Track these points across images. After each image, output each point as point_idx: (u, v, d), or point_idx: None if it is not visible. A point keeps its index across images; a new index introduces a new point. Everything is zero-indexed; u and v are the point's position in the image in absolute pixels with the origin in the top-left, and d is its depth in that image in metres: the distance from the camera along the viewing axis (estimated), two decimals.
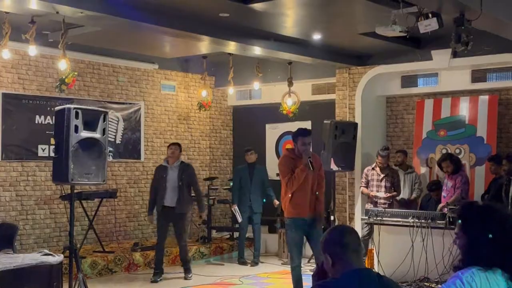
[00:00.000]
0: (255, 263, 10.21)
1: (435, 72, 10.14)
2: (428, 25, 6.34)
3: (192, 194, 9.25)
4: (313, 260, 10.04)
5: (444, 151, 9.75)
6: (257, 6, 7.33)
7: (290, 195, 7.09)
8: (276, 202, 10.19)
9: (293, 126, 11.79)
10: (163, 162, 9.28)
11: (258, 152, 10.76)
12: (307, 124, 11.64)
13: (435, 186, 9.37)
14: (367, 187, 9.63)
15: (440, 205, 8.63)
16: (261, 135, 12.28)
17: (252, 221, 10.37)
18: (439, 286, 7.37)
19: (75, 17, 7.39)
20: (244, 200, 10.21)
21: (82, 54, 10.05)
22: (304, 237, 7.27)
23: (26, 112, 9.58)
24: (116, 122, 10.71)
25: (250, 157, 10.37)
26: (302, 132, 7.23)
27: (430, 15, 6.32)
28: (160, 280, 8.87)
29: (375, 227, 8.46)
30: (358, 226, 9.74)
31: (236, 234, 11.08)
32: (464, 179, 8.78)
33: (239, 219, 10.19)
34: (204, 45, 9.74)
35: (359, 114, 10.56)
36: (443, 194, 8.93)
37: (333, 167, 9.89)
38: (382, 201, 9.39)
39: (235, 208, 10.23)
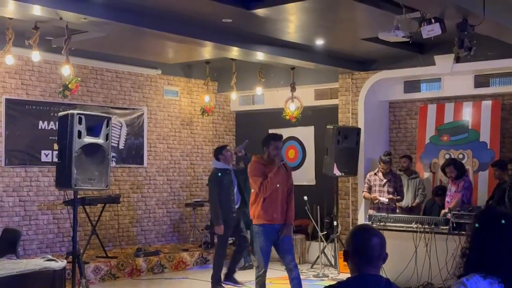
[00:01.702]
0: (248, 267, 10.08)
1: (438, 77, 10.14)
2: (431, 30, 6.34)
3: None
4: (316, 266, 10.03)
5: (447, 156, 9.74)
6: (259, 11, 7.35)
7: (262, 201, 6.91)
8: None
9: (296, 132, 11.93)
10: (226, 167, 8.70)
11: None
12: (310, 129, 11.73)
13: (441, 191, 9.35)
14: (369, 192, 9.62)
15: (443, 211, 8.60)
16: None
17: (249, 226, 10.33)
18: None
19: (78, 23, 7.40)
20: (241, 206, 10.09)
21: (86, 60, 10.07)
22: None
23: (30, 118, 9.60)
24: (119, 128, 10.72)
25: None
26: (273, 137, 7.15)
27: (433, 20, 6.31)
28: None
29: None
30: None
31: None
32: (466, 184, 8.76)
33: None
34: (207, 51, 9.76)
35: (362, 119, 10.56)
36: (447, 199, 8.91)
37: (336, 172, 9.89)
38: (384, 199, 9.31)
39: None
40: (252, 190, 7.07)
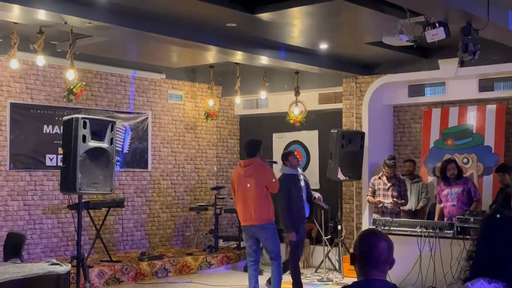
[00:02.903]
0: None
1: (442, 81, 10.12)
2: (435, 35, 6.34)
3: None
4: (320, 270, 10.02)
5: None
6: (264, 16, 7.36)
7: (271, 202, 7.79)
8: None
9: (300, 136, 11.93)
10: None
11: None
12: (314, 133, 11.73)
13: None
14: (373, 196, 9.60)
15: (457, 215, 8.28)
16: (268, 144, 12.27)
17: None
18: None
19: (83, 28, 7.43)
20: None
21: (90, 64, 10.10)
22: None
23: (34, 122, 9.62)
24: (124, 132, 10.74)
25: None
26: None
27: (437, 24, 6.31)
28: None
29: None
30: None
31: (242, 244, 11.05)
32: (475, 185, 8.75)
33: None
34: (211, 55, 9.77)
35: (366, 123, 10.55)
36: (451, 203, 8.77)
37: (340, 176, 9.89)
38: (388, 203, 9.29)
39: None
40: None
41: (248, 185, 7.71)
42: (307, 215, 8.36)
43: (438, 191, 9.03)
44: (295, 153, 8.69)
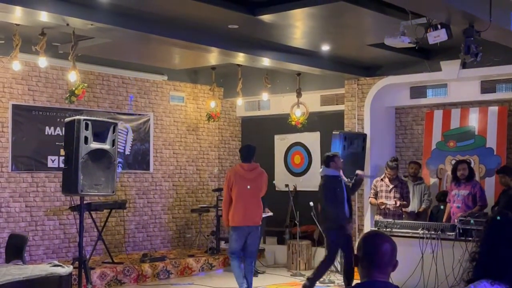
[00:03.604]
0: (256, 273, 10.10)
1: (444, 83, 10.12)
2: (437, 36, 6.34)
3: None
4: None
5: (453, 162, 9.71)
6: (265, 17, 7.36)
7: None
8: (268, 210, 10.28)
9: (302, 137, 11.93)
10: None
11: (267, 163, 10.73)
12: (316, 135, 11.73)
13: (444, 197, 9.32)
14: (375, 198, 9.60)
15: (458, 217, 8.27)
16: (269, 146, 12.28)
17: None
18: None
19: (85, 29, 7.44)
20: None
21: (92, 66, 10.11)
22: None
23: (36, 123, 9.62)
24: (125, 133, 10.74)
25: None
26: None
27: (439, 26, 6.31)
28: None
29: None
30: None
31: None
32: (482, 190, 8.72)
33: None
34: (213, 57, 9.77)
35: (368, 125, 10.55)
36: (457, 204, 8.76)
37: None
38: (390, 205, 9.28)
39: None
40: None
41: (249, 187, 8.01)
42: (348, 216, 8.36)
43: (449, 191, 9.07)
44: (339, 154, 8.68)
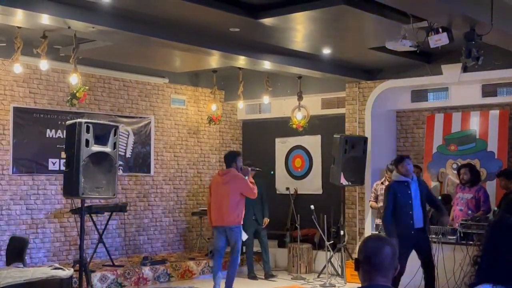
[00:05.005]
0: (270, 275, 10.14)
1: (445, 87, 10.11)
2: (438, 40, 6.34)
3: None
4: (323, 275, 10.00)
5: (454, 166, 9.71)
6: (267, 21, 7.36)
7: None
8: (266, 220, 10.37)
9: (303, 140, 11.93)
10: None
11: (267, 166, 10.74)
12: (316, 138, 11.73)
13: (444, 201, 9.29)
14: (376, 201, 9.60)
15: (460, 221, 8.22)
16: (270, 149, 12.28)
17: (259, 234, 10.35)
18: None
19: (86, 32, 7.45)
20: (249, 214, 10.00)
21: (93, 69, 10.11)
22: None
23: (37, 126, 9.62)
24: (126, 136, 10.74)
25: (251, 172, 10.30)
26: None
27: (440, 29, 6.32)
28: None
29: None
30: None
31: (244, 249, 11.02)
32: (486, 195, 8.69)
33: (244, 237, 9.78)
34: (214, 60, 9.78)
35: (369, 128, 10.54)
36: (459, 207, 8.74)
37: (343, 181, 9.87)
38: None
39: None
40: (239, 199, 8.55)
41: (223, 191, 8.58)
42: (419, 225, 7.73)
43: (454, 194, 9.10)
44: (408, 160, 8.02)
